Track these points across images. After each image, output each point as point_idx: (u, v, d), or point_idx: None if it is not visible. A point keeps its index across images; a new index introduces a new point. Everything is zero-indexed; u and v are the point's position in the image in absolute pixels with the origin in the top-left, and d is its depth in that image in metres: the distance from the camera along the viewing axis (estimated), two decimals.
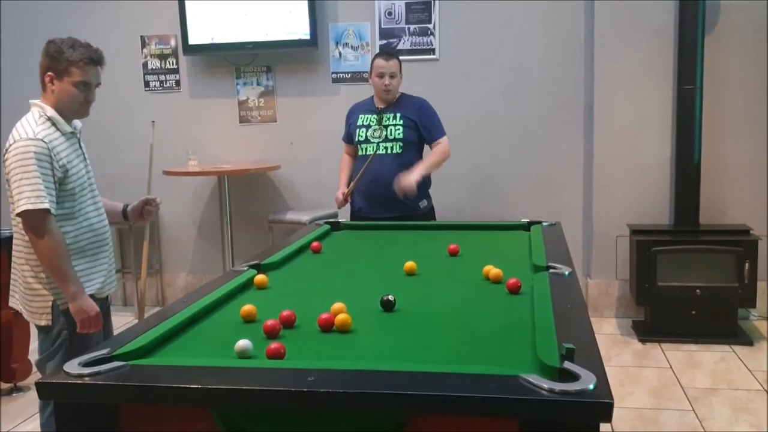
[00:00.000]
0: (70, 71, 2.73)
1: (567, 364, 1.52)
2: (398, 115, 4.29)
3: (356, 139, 4.35)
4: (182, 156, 5.74)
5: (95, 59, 2.79)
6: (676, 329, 4.80)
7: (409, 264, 2.70)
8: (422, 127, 4.31)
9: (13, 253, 2.79)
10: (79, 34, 5.80)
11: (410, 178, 4.10)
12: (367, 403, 1.45)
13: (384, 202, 4.23)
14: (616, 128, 5.18)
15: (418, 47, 5.49)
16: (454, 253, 3.01)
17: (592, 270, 5.38)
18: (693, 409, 3.74)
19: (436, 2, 5.43)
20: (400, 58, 4.43)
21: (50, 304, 2.76)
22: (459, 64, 5.48)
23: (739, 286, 4.68)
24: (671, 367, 4.33)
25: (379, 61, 4.33)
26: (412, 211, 4.26)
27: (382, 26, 5.53)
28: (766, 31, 4.93)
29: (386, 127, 4.28)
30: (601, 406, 1.37)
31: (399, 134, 4.26)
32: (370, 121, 4.33)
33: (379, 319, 2.11)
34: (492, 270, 2.51)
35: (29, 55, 5.92)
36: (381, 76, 4.28)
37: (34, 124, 2.70)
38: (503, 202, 5.49)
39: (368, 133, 4.30)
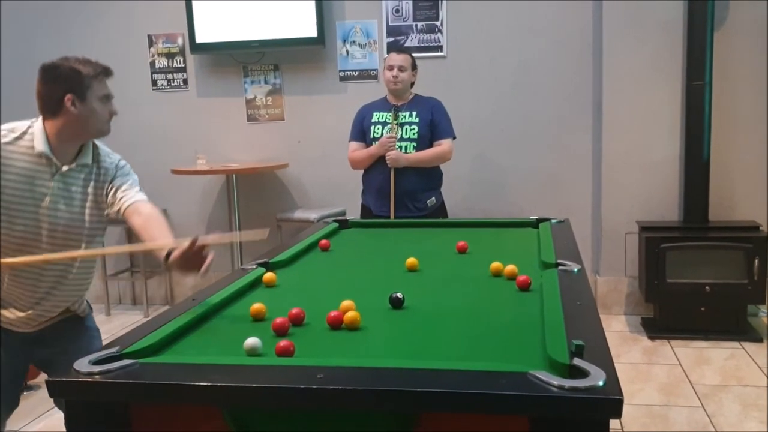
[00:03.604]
0: (93, 87, 2.50)
1: (576, 361, 1.51)
2: (414, 113, 4.31)
3: (371, 136, 4.36)
4: (190, 155, 5.75)
5: (109, 70, 2.59)
6: (685, 326, 4.79)
7: (411, 260, 2.71)
8: (432, 124, 4.33)
9: None
10: (87, 33, 5.89)
11: (400, 153, 4.25)
12: (376, 400, 1.45)
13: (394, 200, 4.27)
14: (625, 125, 5.17)
15: (426, 44, 5.49)
16: (462, 251, 3.01)
17: (601, 267, 5.37)
18: (702, 406, 3.72)
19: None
20: (412, 55, 4.44)
21: None
22: (467, 61, 5.47)
23: (748, 282, 4.66)
24: (680, 364, 4.32)
25: (391, 54, 4.43)
26: (419, 211, 4.28)
27: (390, 24, 5.53)
28: None
29: (402, 125, 4.29)
30: (610, 402, 1.36)
31: (414, 134, 4.28)
32: (386, 118, 4.34)
33: (387, 317, 2.11)
34: (507, 266, 2.52)
35: (34, 56, 5.96)
36: (391, 68, 4.32)
37: (13, 129, 2.47)
38: (512, 200, 5.48)
39: (384, 131, 4.31)
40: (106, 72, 2.55)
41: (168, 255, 2.24)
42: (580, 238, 3.44)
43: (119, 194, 2.58)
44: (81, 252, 2.52)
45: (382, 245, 3.38)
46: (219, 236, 2.10)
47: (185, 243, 2.16)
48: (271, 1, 5.52)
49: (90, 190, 2.58)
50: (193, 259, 2.21)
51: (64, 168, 2.50)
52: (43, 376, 4.20)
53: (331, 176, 5.62)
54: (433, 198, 4.36)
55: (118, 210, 2.56)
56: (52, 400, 1.69)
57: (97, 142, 2.68)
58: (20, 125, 2.50)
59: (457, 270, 2.76)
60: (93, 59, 2.55)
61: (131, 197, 2.57)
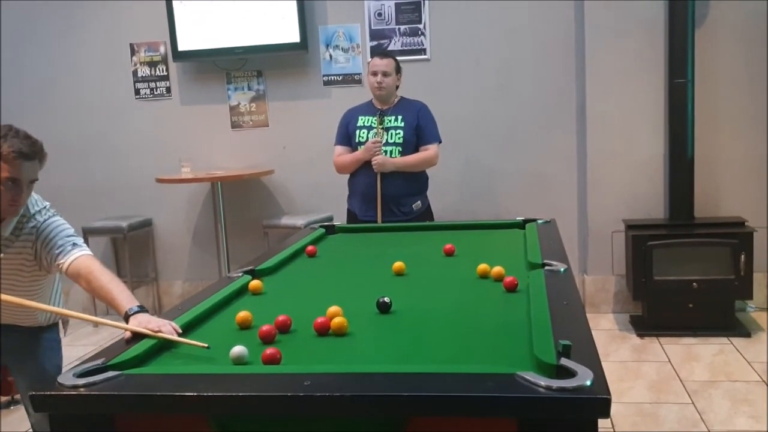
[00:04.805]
0: None
1: (564, 361, 1.51)
2: (400, 117, 4.31)
3: (356, 141, 4.35)
4: (175, 163, 5.72)
5: (29, 154, 2.39)
6: (673, 323, 4.80)
7: (398, 264, 2.70)
8: (418, 129, 4.32)
9: None
10: (69, 43, 5.85)
11: (386, 158, 4.23)
12: (364, 406, 1.44)
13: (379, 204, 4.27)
14: (609, 124, 5.18)
15: (409, 48, 5.49)
16: (449, 253, 3.01)
17: (589, 266, 5.38)
18: (692, 403, 3.73)
19: (426, 2, 5.42)
20: (396, 59, 4.44)
21: None
22: (450, 63, 5.47)
23: (735, 278, 4.68)
24: (670, 361, 4.33)
25: (375, 59, 4.40)
26: (405, 215, 4.27)
27: (372, 27, 5.53)
28: (756, 23, 4.94)
29: (387, 129, 4.28)
30: (598, 401, 1.36)
31: (399, 138, 4.27)
32: (371, 122, 4.33)
33: (375, 322, 2.10)
34: (494, 267, 2.52)
35: (16, 66, 5.94)
36: (375, 74, 4.31)
37: None
38: (498, 201, 5.49)
39: (369, 135, 4.30)
40: (27, 157, 2.38)
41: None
42: (566, 238, 3.44)
43: (54, 261, 2.52)
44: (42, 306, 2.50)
45: (369, 250, 3.37)
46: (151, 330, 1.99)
47: (131, 328, 1.99)
48: (253, 7, 5.50)
49: (14, 264, 2.56)
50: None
51: None
52: None
53: (317, 181, 5.60)
54: (419, 202, 4.35)
55: (62, 272, 2.53)
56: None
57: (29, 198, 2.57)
58: None
59: (444, 273, 2.76)
60: (30, 138, 2.43)
61: (67, 259, 2.49)
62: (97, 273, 2.41)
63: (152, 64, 5.87)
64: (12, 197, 2.40)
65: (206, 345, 1.84)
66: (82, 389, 1.55)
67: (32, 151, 2.41)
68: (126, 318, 2.10)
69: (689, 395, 3.83)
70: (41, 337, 2.84)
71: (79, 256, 2.50)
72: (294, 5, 5.42)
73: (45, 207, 2.63)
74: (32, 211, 2.57)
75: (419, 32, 5.47)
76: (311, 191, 5.74)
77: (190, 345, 1.88)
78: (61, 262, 2.49)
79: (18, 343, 2.78)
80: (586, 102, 5.22)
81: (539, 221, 3.56)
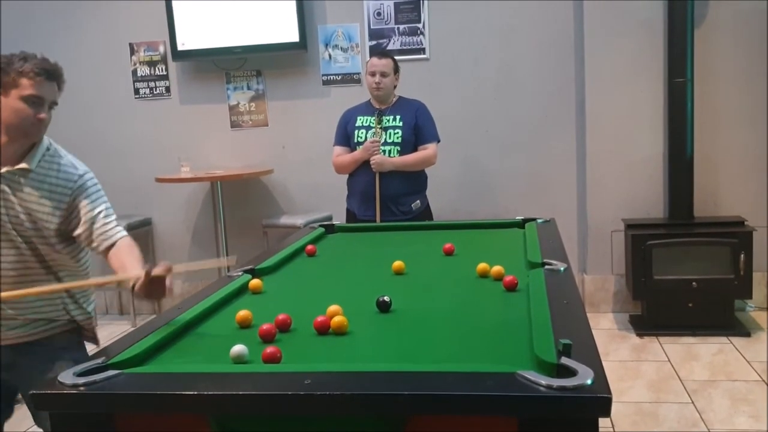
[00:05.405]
0: (19, 83, 2.32)
1: (564, 360, 1.51)
2: (398, 117, 4.31)
3: (355, 141, 4.35)
4: (174, 163, 5.72)
5: (51, 72, 2.38)
6: (673, 322, 4.80)
7: (397, 263, 2.70)
8: (416, 128, 4.32)
9: None
10: (67, 43, 5.84)
11: (384, 158, 4.24)
12: (363, 404, 1.44)
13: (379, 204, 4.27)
14: (609, 123, 5.18)
15: (408, 47, 5.49)
16: (449, 253, 3.00)
17: (588, 266, 5.38)
18: (692, 402, 3.73)
19: (425, 2, 5.42)
20: (394, 58, 4.44)
21: None
22: (449, 62, 5.47)
23: (734, 277, 4.68)
24: (669, 361, 4.33)
25: (373, 60, 4.40)
26: (404, 214, 4.27)
27: (372, 27, 5.53)
28: (755, 23, 4.94)
29: (386, 129, 4.29)
30: (599, 400, 1.36)
31: (397, 138, 4.27)
32: (370, 122, 4.33)
33: (375, 321, 2.10)
34: (494, 267, 2.51)
35: None
36: (373, 74, 4.31)
37: None
38: (497, 201, 5.49)
39: (368, 135, 4.30)
40: (47, 73, 2.37)
41: (134, 286, 2.15)
42: (566, 237, 3.44)
43: (96, 229, 2.45)
44: (45, 287, 2.40)
45: (369, 249, 3.37)
46: (167, 267, 2.07)
47: (141, 276, 2.06)
48: (252, 7, 5.50)
49: (32, 200, 2.42)
50: (155, 287, 2.13)
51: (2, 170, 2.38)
52: None
53: (317, 181, 5.61)
54: (418, 201, 4.35)
55: (95, 246, 2.46)
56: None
57: (62, 150, 2.56)
58: None
59: (443, 272, 2.76)
60: (48, 60, 2.42)
61: (110, 236, 2.45)
62: (136, 252, 2.43)
63: (151, 64, 5.86)
64: (36, 115, 2.36)
65: (226, 263, 1.95)
66: (82, 388, 1.54)
67: (54, 69, 2.40)
68: (132, 288, 2.13)
69: (689, 395, 3.83)
70: (66, 359, 2.51)
71: (121, 238, 2.48)
72: (293, 5, 5.43)
73: (65, 155, 2.57)
74: (52, 147, 2.52)
75: (418, 32, 5.47)
76: (310, 191, 5.74)
77: (209, 267, 1.96)
78: (101, 238, 2.44)
79: (36, 367, 2.53)
80: (585, 101, 5.22)
81: (539, 220, 3.56)
